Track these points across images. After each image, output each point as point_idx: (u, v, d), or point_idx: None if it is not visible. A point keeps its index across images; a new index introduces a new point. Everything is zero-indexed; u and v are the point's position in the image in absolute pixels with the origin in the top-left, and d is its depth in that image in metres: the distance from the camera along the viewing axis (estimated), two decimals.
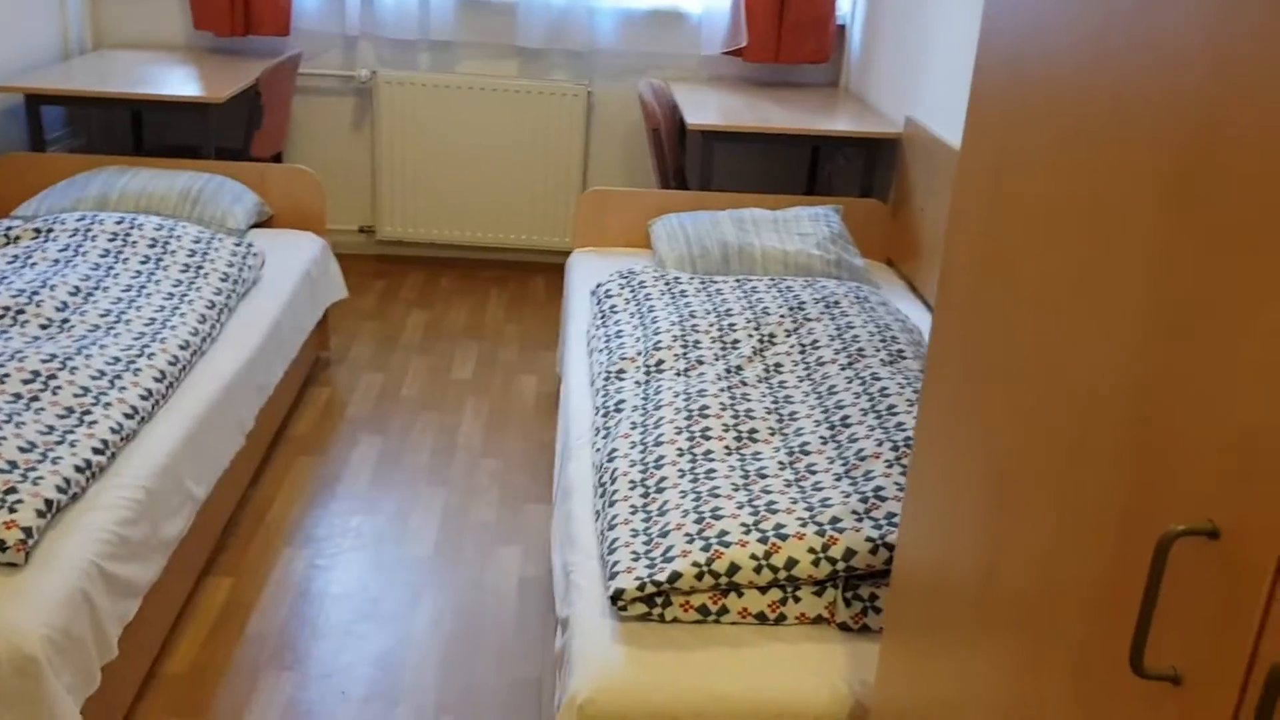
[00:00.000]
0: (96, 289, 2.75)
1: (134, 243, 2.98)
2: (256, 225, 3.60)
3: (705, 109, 3.89)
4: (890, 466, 2.00)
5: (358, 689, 2.27)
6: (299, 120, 4.57)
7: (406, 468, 3.14)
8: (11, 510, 1.85)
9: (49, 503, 1.91)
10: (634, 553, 1.82)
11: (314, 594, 2.56)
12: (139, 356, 2.45)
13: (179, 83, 3.78)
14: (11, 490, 1.90)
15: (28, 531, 1.84)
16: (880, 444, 2.07)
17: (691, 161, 4.48)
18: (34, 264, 2.84)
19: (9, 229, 3.01)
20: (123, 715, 2.08)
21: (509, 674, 2.34)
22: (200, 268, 2.95)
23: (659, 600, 1.75)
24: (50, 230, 3.00)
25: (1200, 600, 0.79)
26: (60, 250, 2.91)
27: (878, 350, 2.50)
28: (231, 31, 4.27)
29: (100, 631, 1.90)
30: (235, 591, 2.56)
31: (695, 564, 1.75)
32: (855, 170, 4.19)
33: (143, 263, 2.92)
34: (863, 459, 2.03)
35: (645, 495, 1.99)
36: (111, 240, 2.97)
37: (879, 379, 2.35)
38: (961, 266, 1.27)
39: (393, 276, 4.61)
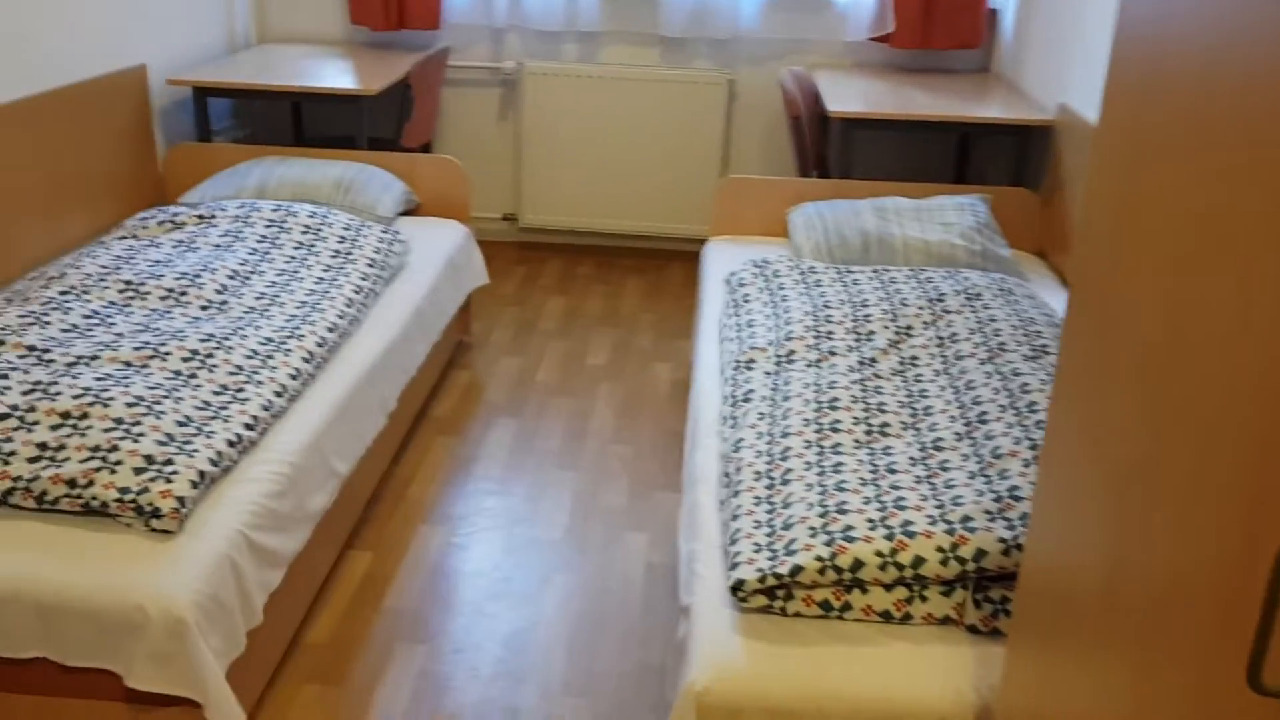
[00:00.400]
0: (253, 273, 2.88)
1: (289, 229, 3.11)
2: (404, 213, 3.71)
3: (847, 96, 3.83)
4: (1027, 466, 1.93)
5: (486, 666, 2.33)
6: (447, 111, 4.69)
7: (539, 451, 3.20)
8: (168, 480, 1.96)
9: (202, 474, 2.01)
10: (756, 544, 1.81)
11: (448, 571, 2.64)
12: (289, 338, 2.56)
13: (335, 76, 3.93)
14: (169, 461, 2.01)
15: (182, 501, 1.94)
16: (1018, 442, 2.01)
17: (834, 150, 4.42)
18: (197, 248, 2.99)
19: (176, 215, 3.18)
20: (266, 680, 2.18)
21: (634, 658, 2.36)
22: (349, 254, 3.06)
23: (780, 593, 1.74)
24: (213, 217, 3.16)
25: None
26: (221, 236, 3.06)
27: (1020, 344, 2.42)
28: (385, 26, 4.41)
29: (246, 598, 2.00)
30: (374, 565, 2.65)
31: (818, 558, 1.73)
32: (1006, 159, 4.05)
33: (296, 248, 3.04)
34: (999, 457, 1.97)
35: (770, 487, 1.97)
36: (268, 227, 3.11)
37: (1020, 374, 2.28)
38: (1094, 261, 1.22)
39: (533, 263, 4.69)
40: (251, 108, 4.63)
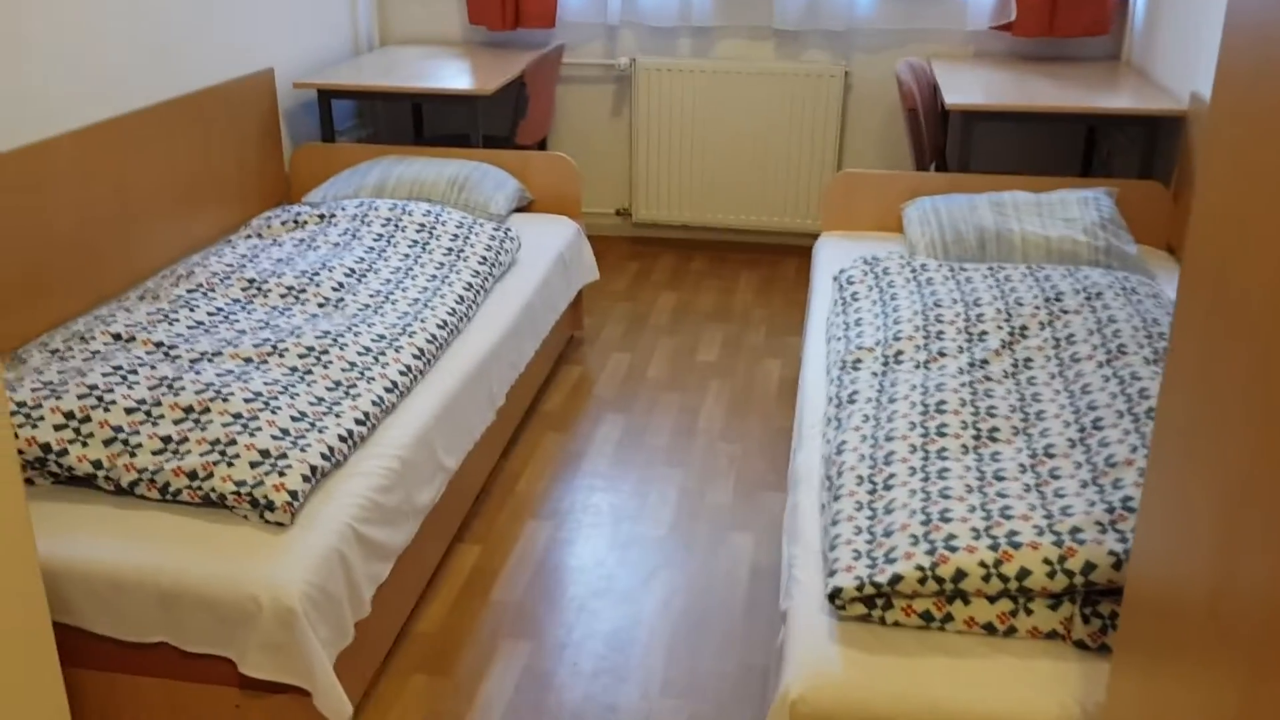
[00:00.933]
0: (369, 271, 2.96)
1: (404, 228, 3.18)
2: (517, 210, 3.76)
3: (967, 88, 3.72)
4: (1143, 475, 1.85)
5: (588, 663, 2.35)
6: (562, 107, 4.73)
7: (647, 448, 3.20)
8: (281, 474, 2.03)
9: (314, 469, 2.08)
10: (855, 551, 1.78)
11: (553, 566, 2.67)
12: (401, 335, 2.63)
13: (452, 76, 4.00)
14: (283, 456, 2.08)
15: (294, 494, 2.01)
16: (1134, 450, 1.92)
17: (952, 143, 4.30)
18: (317, 247, 3.09)
19: (298, 215, 3.29)
20: (375, 670, 2.24)
21: (735, 661, 2.35)
22: (461, 251, 3.12)
23: (879, 602, 1.71)
24: (333, 216, 3.26)
25: None
26: (340, 235, 3.15)
27: (1141, 347, 2.32)
28: (503, 25, 4.47)
29: (355, 590, 2.06)
30: (482, 558, 2.70)
31: (919, 567, 1.69)
32: (1136, 150, 3.89)
33: (410, 246, 3.11)
34: (1113, 465, 1.90)
35: (872, 492, 1.93)
36: (385, 225, 3.19)
37: (1139, 378, 2.18)
38: (1206, 253, 1.16)
39: (646, 258, 4.70)
40: (374, 108, 4.75)
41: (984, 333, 2.48)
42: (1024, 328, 2.49)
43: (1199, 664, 1.11)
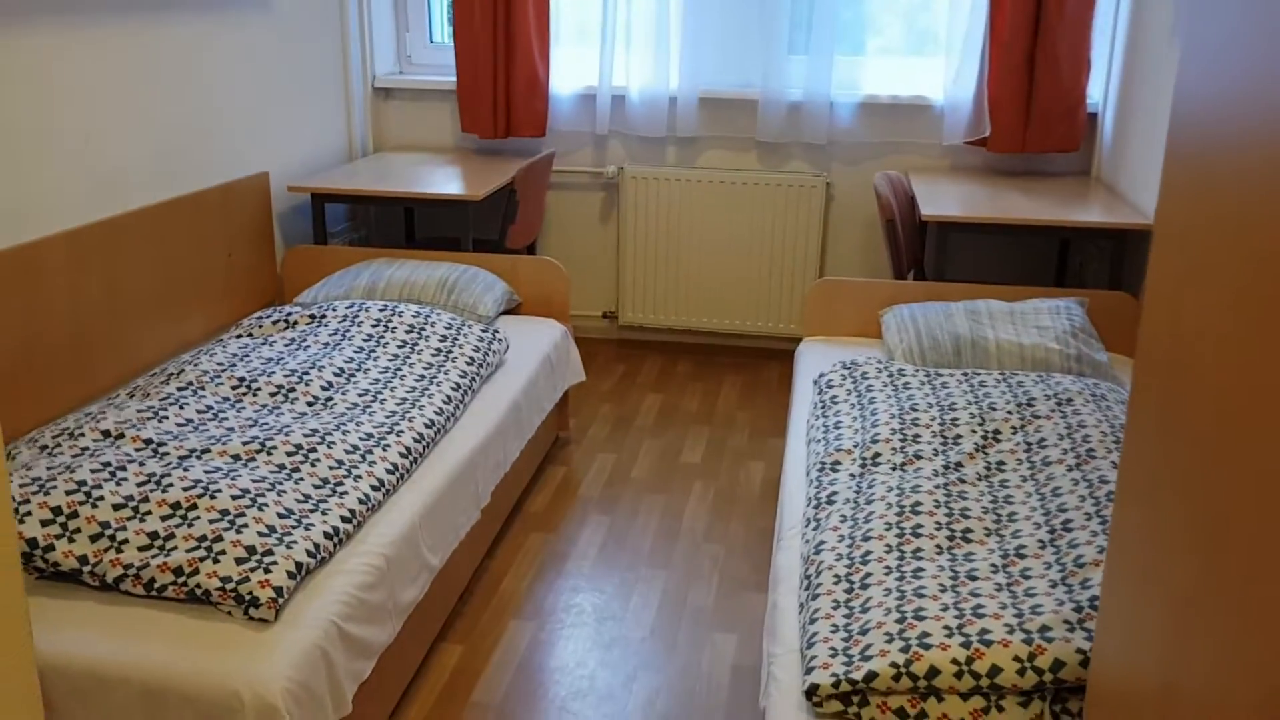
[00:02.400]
0: (358, 370, 3.02)
1: (394, 329, 3.26)
2: (506, 312, 3.84)
3: (943, 200, 3.85)
4: None
5: None
6: (552, 212, 4.86)
7: (630, 549, 3.23)
8: (266, 571, 2.06)
9: (299, 565, 2.11)
10: (832, 648, 1.81)
11: (535, 667, 2.67)
12: (389, 434, 2.67)
13: (443, 181, 4.12)
14: (269, 553, 2.11)
15: (279, 591, 2.03)
16: (1102, 551, 1.97)
17: (930, 253, 4.43)
18: (307, 346, 3.15)
19: (289, 314, 3.36)
20: None
21: None
22: (449, 352, 3.18)
23: (855, 699, 1.73)
24: (323, 316, 3.33)
25: None
26: (330, 335, 3.22)
27: (1110, 451, 2.38)
28: (494, 134, 4.62)
29: (336, 687, 2.07)
30: (464, 659, 2.70)
31: (893, 664, 1.72)
32: (1106, 262, 4.01)
33: (400, 347, 3.18)
34: (1081, 565, 1.94)
35: (849, 591, 1.97)
36: (375, 326, 3.26)
37: (1106, 481, 2.24)
38: (1153, 363, 1.22)
39: (632, 360, 4.77)
40: (367, 211, 4.87)
41: (958, 436, 2.55)
42: (997, 432, 2.55)
43: None
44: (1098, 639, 1.37)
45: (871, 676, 1.71)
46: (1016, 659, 1.70)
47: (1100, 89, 4.22)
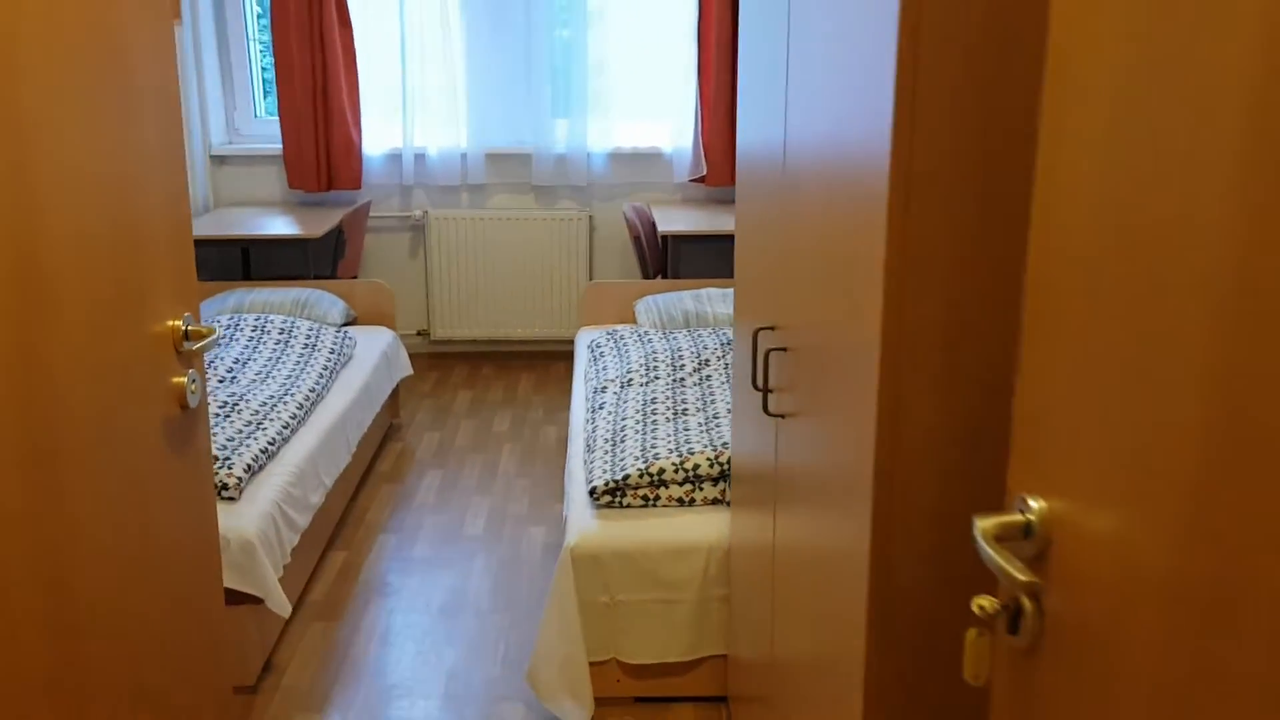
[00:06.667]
0: (250, 359, 4.02)
1: (269, 332, 4.27)
2: (346, 324, 4.89)
3: (675, 221, 5.19)
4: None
5: (437, 598, 3.43)
6: (370, 250, 5.92)
7: (460, 489, 4.34)
8: (229, 468, 3.07)
9: (248, 466, 3.13)
10: (605, 468, 3.01)
11: (399, 559, 3.74)
12: (285, 395, 3.70)
13: (282, 226, 5.14)
14: (226, 460, 3.12)
15: (239, 481, 3.06)
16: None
17: (669, 259, 5.77)
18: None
19: None
20: (298, 596, 3.25)
21: (543, 585, 3.49)
22: (315, 346, 4.22)
23: (617, 493, 2.93)
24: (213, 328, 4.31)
25: None
26: (222, 338, 4.20)
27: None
28: (318, 187, 5.66)
29: (281, 543, 3.09)
30: (349, 558, 3.74)
31: (638, 470, 2.93)
32: None
33: (276, 344, 4.20)
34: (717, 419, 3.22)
35: (612, 444, 3.18)
36: (254, 331, 4.26)
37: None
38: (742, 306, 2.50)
39: (444, 368, 5.87)
40: (209, 257, 5.79)
41: (683, 364, 3.82)
42: (707, 361, 3.84)
43: (755, 490, 2.37)
44: (735, 449, 2.62)
45: (626, 477, 2.92)
46: (708, 459, 2.95)
47: None
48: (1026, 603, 1.05)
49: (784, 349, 1.90)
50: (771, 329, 2.02)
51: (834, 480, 1.58)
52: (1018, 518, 1.05)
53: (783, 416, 1.94)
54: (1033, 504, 1.04)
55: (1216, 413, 0.77)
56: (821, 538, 1.68)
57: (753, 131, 2.24)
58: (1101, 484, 0.94)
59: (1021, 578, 0.97)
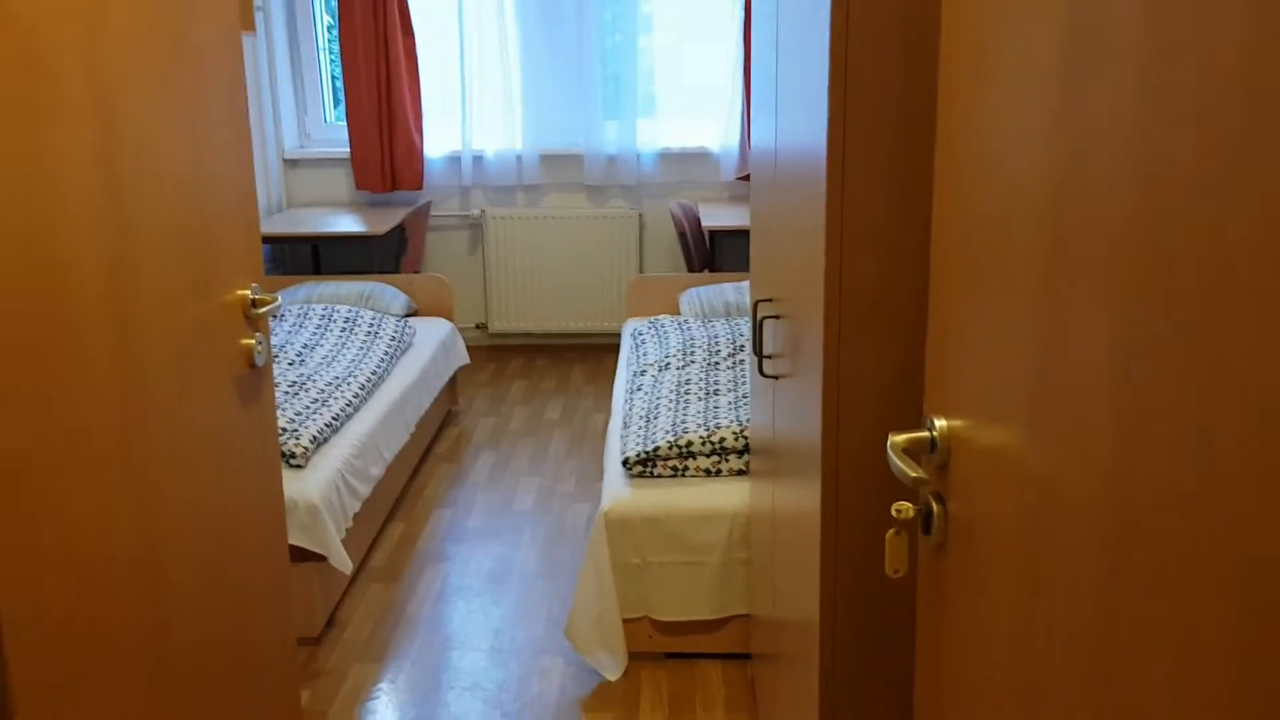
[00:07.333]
0: (318, 345, 4.34)
1: (335, 320, 4.59)
2: (408, 315, 5.20)
3: (720, 217, 5.41)
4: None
5: (485, 563, 3.70)
6: (431, 248, 6.24)
7: (512, 470, 4.61)
8: (296, 438, 3.37)
9: (314, 437, 3.43)
10: (638, 441, 3.25)
11: (456, 531, 4.02)
12: (349, 376, 4.01)
13: (349, 224, 5.47)
14: (294, 432, 3.42)
15: (305, 450, 3.35)
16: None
17: (715, 254, 5.99)
18: (274, 333, 4.45)
19: None
20: (359, 562, 3.54)
21: (581, 550, 3.75)
22: (377, 334, 4.53)
23: (649, 463, 3.17)
24: (283, 315, 4.64)
25: None
26: (290, 326, 4.53)
27: None
28: (382, 188, 5.99)
29: (344, 508, 3.39)
30: (408, 528, 4.03)
31: (668, 441, 3.16)
32: None
33: (341, 332, 4.51)
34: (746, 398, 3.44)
35: (648, 420, 3.42)
36: (321, 319, 4.59)
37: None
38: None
39: (501, 360, 6.17)
40: (283, 252, 6.15)
41: (719, 349, 4.05)
42: (741, 346, 4.06)
43: (763, 460, 2.59)
44: (752, 423, 2.84)
45: (656, 449, 3.15)
46: (734, 433, 3.17)
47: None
48: (935, 506, 1.28)
49: (776, 317, 2.13)
50: (769, 301, 2.25)
51: (804, 424, 1.81)
52: (925, 434, 1.27)
53: (776, 379, 2.16)
54: (938, 423, 1.26)
55: (1048, 348, 1.00)
56: (797, 494, 1.90)
57: (759, 133, 2.48)
58: (982, 405, 1.16)
59: (912, 474, 1.19)
